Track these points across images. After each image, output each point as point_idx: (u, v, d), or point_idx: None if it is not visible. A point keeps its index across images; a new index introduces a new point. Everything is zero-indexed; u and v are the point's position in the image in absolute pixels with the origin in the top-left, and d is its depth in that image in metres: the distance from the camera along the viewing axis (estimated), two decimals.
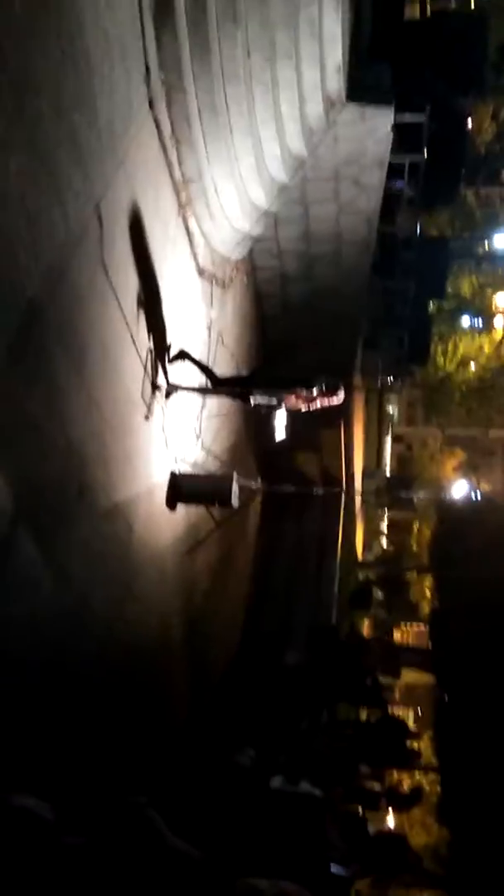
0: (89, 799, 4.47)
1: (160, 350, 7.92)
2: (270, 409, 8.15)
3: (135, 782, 5.32)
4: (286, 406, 8.06)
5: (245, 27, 8.10)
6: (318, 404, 8.01)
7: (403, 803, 13.88)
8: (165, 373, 8.03)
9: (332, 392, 8.01)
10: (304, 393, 7.91)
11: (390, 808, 15.13)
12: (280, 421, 8.13)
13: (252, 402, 8.13)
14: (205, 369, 8.57)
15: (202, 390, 8.72)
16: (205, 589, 10.86)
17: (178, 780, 5.27)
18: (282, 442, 8.46)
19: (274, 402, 8.05)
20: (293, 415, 8.28)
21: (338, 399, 8.09)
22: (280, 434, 8.18)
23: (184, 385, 8.30)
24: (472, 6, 24.91)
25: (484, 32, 17.79)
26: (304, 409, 8.08)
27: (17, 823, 3.61)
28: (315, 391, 7.91)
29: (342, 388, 8.11)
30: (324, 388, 7.94)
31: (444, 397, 30.48)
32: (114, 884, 3.57)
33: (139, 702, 7.58)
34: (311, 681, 12.88)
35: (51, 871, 3.46)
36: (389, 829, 15.84)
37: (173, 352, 8.12)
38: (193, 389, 8.55)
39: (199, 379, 8.62)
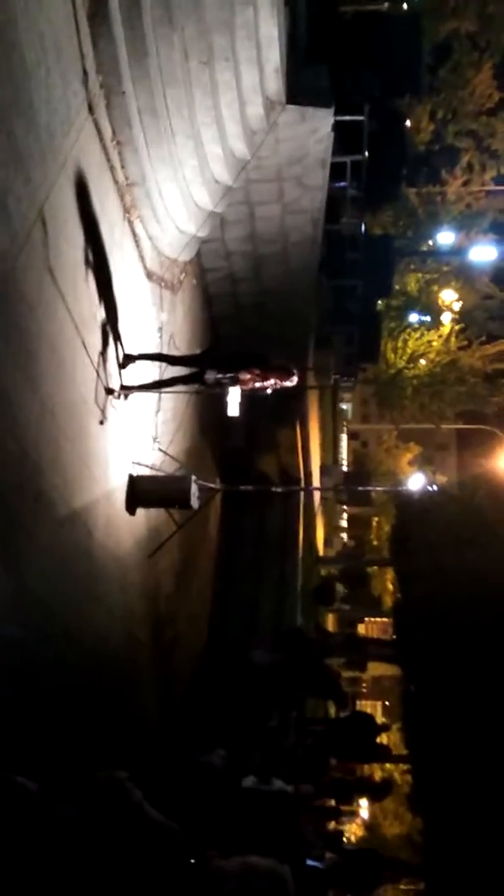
0: (73, 775, 4.72)
1: (112, 354, 7.92)
2: (224, 388, 8.18)
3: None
4: (240, 384, 8.10)
5: (181, 30, 8.16)
6: (271, 384, 8.07)
7: (375, 793, 14.01)
8: (123, 365, 8.05)
9: (286, 374, 8.08)
10: (257, 372, 7.97)
11: (363, 800, 15.29)
12: (234, 398, 8.17)
13: (206, 380, 8.18)
14: (156, 356, 8.62)
15: (157, 384, 8.69)
16: (168, 591, 10.86)
17: (149, 783, 5.30)
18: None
19: (228, 379, 8.09)
20: (250, 400, 8.32)
21: (291, 382, 8.16)
22: (233, 410, 8.21)
23: (137, 385, 8.31)
24: (406, 7, 25.30)
25: (418, 34, 18.16)
26: (258, 388, 8.12)
27: (11, 793, 3.89)
28: (269, 369, 7.98)
29: (295, 370, 8.19)
30: (278, 367, 8.02)
31: (397, 393, 30.83)
32: (99, 851, 3.90)
33: (106, 707, 7.55)
34: (279, 679, 12.93)
35: (48, 836, 3.78)
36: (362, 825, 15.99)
37: (122, 357, 8.11)
38: (147, 388, 8.54)
39: (153, 378, 8.64)
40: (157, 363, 8.86)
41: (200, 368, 8.23)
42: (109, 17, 7.07)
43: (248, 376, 7.94)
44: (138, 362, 8.33)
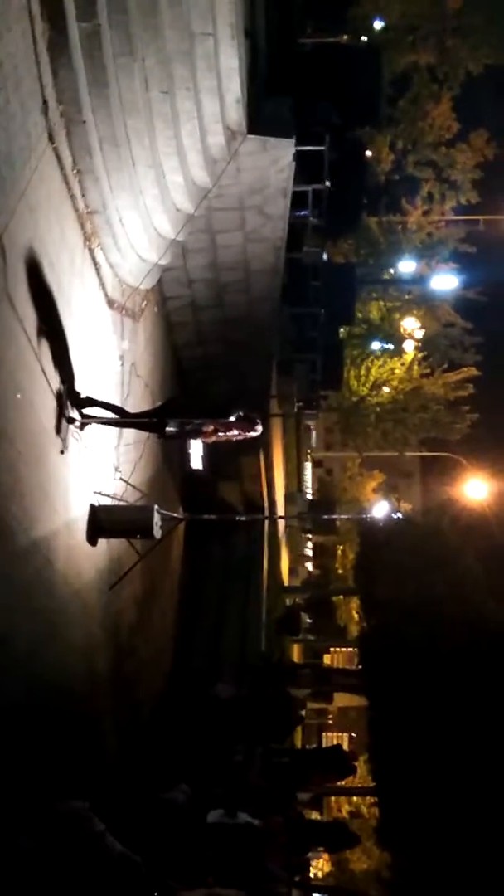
0: (32, 808, 4.59)
1: (72, 383, 7.81)
2: (185, 440, 8.10)
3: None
4: (202, 437, 8.02)
5: (142, 60, 8.17)
6: (234, 435, 8.01)
7: (335, 844, 13.64)
8: (79, 405, 7.92)
9: (249, 425, 8.03)
10: (220, 424, 7.90)
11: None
12: (196, 450, 8.10)
13: (166, 433, 8.08)
14: (112, 408, 8.42)
15: (117, 422, 8.62)
16: (131, 622, 10.69)
17: (111, 817, 5.18)
18: (203, 470, 8.43)
19: (189, 432, 8.01)
20: (211, 444, 8.24)
21: (255, 432, 8.12)
22: (196, 463, 8.14)
23: (97, 417, 8.19)
24: (366, 40, 25.74)
25: (378, 66, 18.42)
26: (221, 440, 8.06)
27: None
28: (231, 422, 7.90)
29: (259, 420, 8.14)
30: (241, 418, 7.94)
31: (360, 420, 30.98)
32: (61, 883, 3.89)
33: (66, 741, 7.37)
34: (243, 712, 12.78)
35: (9, 869, 3.78)
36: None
37: (81, 396, 7.93)
38: (107, 422, 8.44)
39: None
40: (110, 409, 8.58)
41: (161, 420, 8.10)
42: (69, 47, 7.05)
43: (211, 428, 7.87)
44: (94, 405, 8.13)
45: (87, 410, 7.99)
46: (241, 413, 7.99)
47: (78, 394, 7.85)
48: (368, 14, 27.55)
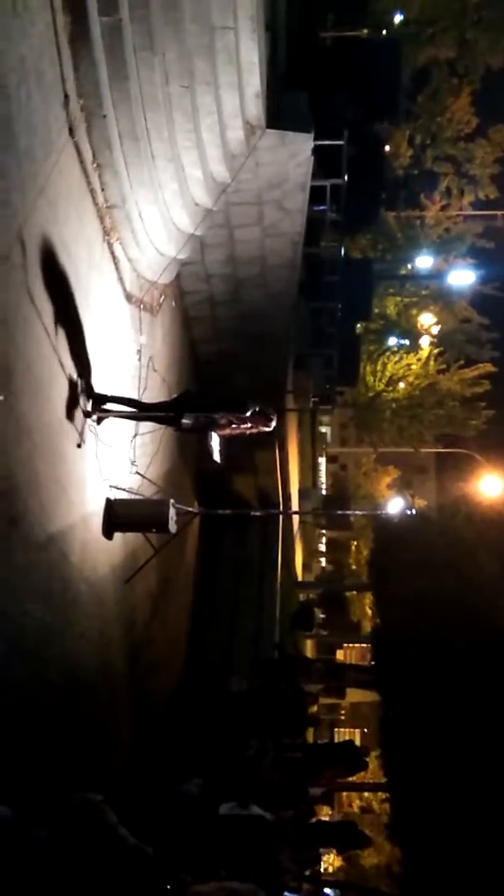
0: (46, 798, 4.62)
1: (89, 377, 7.84)
2: (202, 434, 8.11)
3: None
4: (217, 430, 8.03)
5: (162, 54, 8.16)
6: (249, 429, 8.02)
7: (345, 844, 13.61)
8: (95, 401, 7.94)
9: (264, 419, 8.03)
10: (235, 418, 7.91)
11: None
12: (215, 444, 8.11)
13: (182, 426, 8.09)
14: (128, 401, 8.44)
15: (133, 416, 8.63)
16: (145, 616, 10.73)
17: (125, 809, 5.21)
18: (218, 465, 8.42)
19: (204, 425, 8.02)
20: (226, 438, 8.26)
21: (269, 427, 8.12)
22: (216, 457, 8.15)
23: (114, 411, 8.21)
24: (385, 34, 25.63)
25: (397, 60, 18.38)
26: (235, 434, 8.07)
27: None
28: (247, 416, 7.91)
29: (274, 415, 8.14)
30: (256, 412, 7.95)
31: (376, 416, 30.92)
32: (74, 874, 3.85)
33: (81, 733, 7.41)
34: (256, 707, 12.80)
35: (21, 858, 3.75)
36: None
37: (97, 393, 7.93)
38: (124, 415, 8.46)
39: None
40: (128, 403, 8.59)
41: (176, 413, 8.12)
42: (91, 41, 7.06)
43: (225, 422, 7.88)
44: (109, 401, 8.13)
45: (103, 403, 8.01)
46: (256, 407, 8.00)
47: (94, 389, 7.87)
48: (388, 8, 27.48)
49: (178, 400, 8.58)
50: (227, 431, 8.07)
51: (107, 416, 8.11)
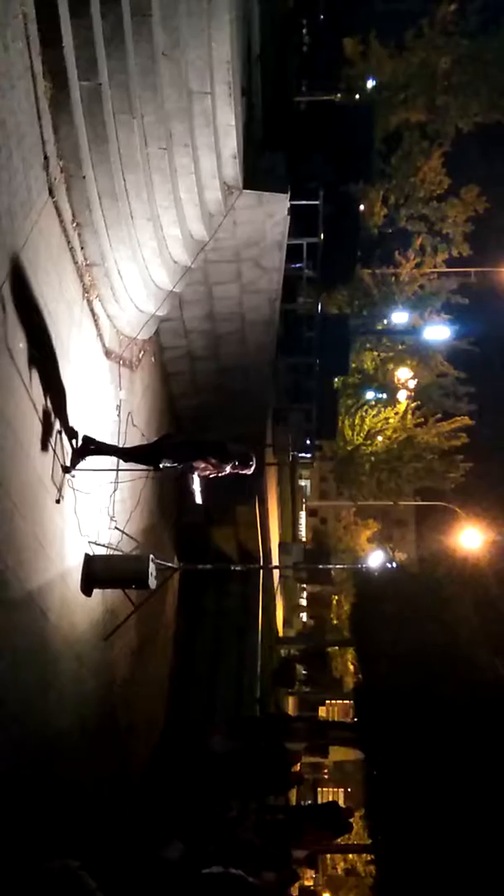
0: (22, 866, 4.46)
1: (70, 433, 7.84)
2: (181, 475, 8.14)
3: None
4: (197, 472, 8.05)
5: (141, 117, 8.35)
6: (228, 472, 8.03)
7: None
8: (78, 454, 7.93)
9: (243, 460, 8.05)
10: (214, 460, 7.93)
11: None
12: (196, 485, 8.13)
13: (161, 467, 8.11)
14: (110, 449, 8.47)
15: (112, 455, 8.55)
16: (125, 674, 10.56)
17: (104, 875, 5.06)
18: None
19: (184, 467, 8.03)
20: (206, 491, 8.26)
21: (249, 470, 8.12)
22: (198, 498, 8.16)
23: (93, 468, 8.20)
24: (358, 98, 26.41)
25: (370, 123, 18.86)
26: (214, 476, 8.07)
27: None
28: (226, 458, 7.93)
29: (253, 458, 8.16)
30: (235, 455, 7.98)
31: (355, 469, 31.05)
32: None
33: (59, 799, 7.23)
34: (237, 767, 12.57)
35: None
36: None
37: (78, 443, 7.96)
38: (103, 458, 8.42)
39: (110, 458, 8.54)
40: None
41: (156, 458, 8.15)
42: (71, 104, 7.21)
43: (203, 465, 7.90)
44: (92, 444, 8.16)
45: (85, 454, 8.00)
46: (235, 449, 8.04)
47: (78, 437, 7.89)
48: (361, 74, 28.39)
49: (157, 443, 8.62)
50: (206, 474, 8.08)
51: (86, 471, 8.08)
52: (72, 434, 7.82)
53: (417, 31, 28.22)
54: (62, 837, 6.97)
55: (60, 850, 5.26)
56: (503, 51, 28.47)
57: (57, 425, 7.52)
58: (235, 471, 8.05)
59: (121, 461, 8.65)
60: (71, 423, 7.86)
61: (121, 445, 9.15)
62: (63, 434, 7.67)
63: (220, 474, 8.01)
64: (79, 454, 7.90)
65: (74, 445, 7.87)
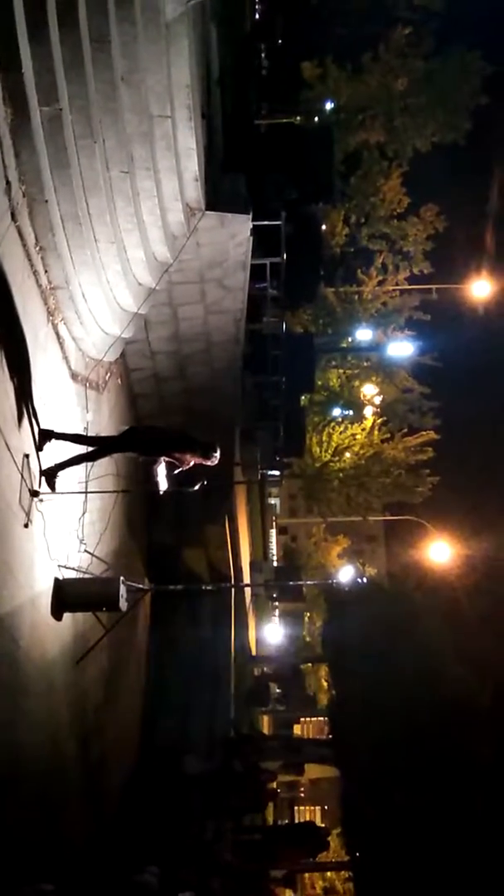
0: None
1: (37, 456, 7.81)
2: (147, 464, 8.32)
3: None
4: (163, 461, 8.20)
5: (102, 142, 8.41)
6: (192, 463, 8.15)
7: None
8: (47, 474, 7.93)
9: (206, 451, 8.18)
10: (177, 454, 8.09)
11: None
12: (161, 474, 8.29)
13: (131, 453, 8.44)
14: (77, 438, 8.56)
15: (77, 459, 8.56)
16: (97, 699, 10.48)
17: None
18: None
19: (147, 457, 8.27)
20: (177, 497, 8.39)
21: (212, 461, 8.25)
22: (163, 485, 8.31)
23: (61, 462, 8.21)
24: (317, 120, 26.74)
25: (330, 144, 19.11)
26: (181, 466, 8.20)
27: None
28: (190, 448, 8.08)
29: (217, 448, 8.29)
30: (198, 446, 8.12)
31: (323, 486, 31.12)
32: None
33: (33, 824, 7.14)
34: (212, 788, 12.51)
35: None
36: None
37: (38, 434, 7.98)
38: (69, 464, 8.42)
39: (79, 477, 8.56)
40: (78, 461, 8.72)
41: (121, 450, 8.47)
42: (31, 129, 7.24)
43: (169, 456, 8.08)
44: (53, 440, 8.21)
45: (47, 439, 8.04)
46: (199, 441, 8.15)
47: (39, 432, 7.93)
48: (320, 96, 28.74)
49: (124, 435, 8.92)
50: (172, 463, 8.24)
51: (54, 473, 8.08)
52: (41, 448, 7.87)
53: (374, 54, 28.69)
54: (37, 863, 6.89)
55: (35, 876, 5.21)
56: (457, 73, 29.06)
57: (25, 449, 7.50)
58: (199, 461, 8.19)
59: (85, 458, 8.68)
60: (38, 448, 7.84)
61: (87, 477, 9.21)
62: (30, 458, 7.65)
63: (184, 466, 8.13)
64: (43, 439, 7.94)
65: (41, 451, 7.92)
